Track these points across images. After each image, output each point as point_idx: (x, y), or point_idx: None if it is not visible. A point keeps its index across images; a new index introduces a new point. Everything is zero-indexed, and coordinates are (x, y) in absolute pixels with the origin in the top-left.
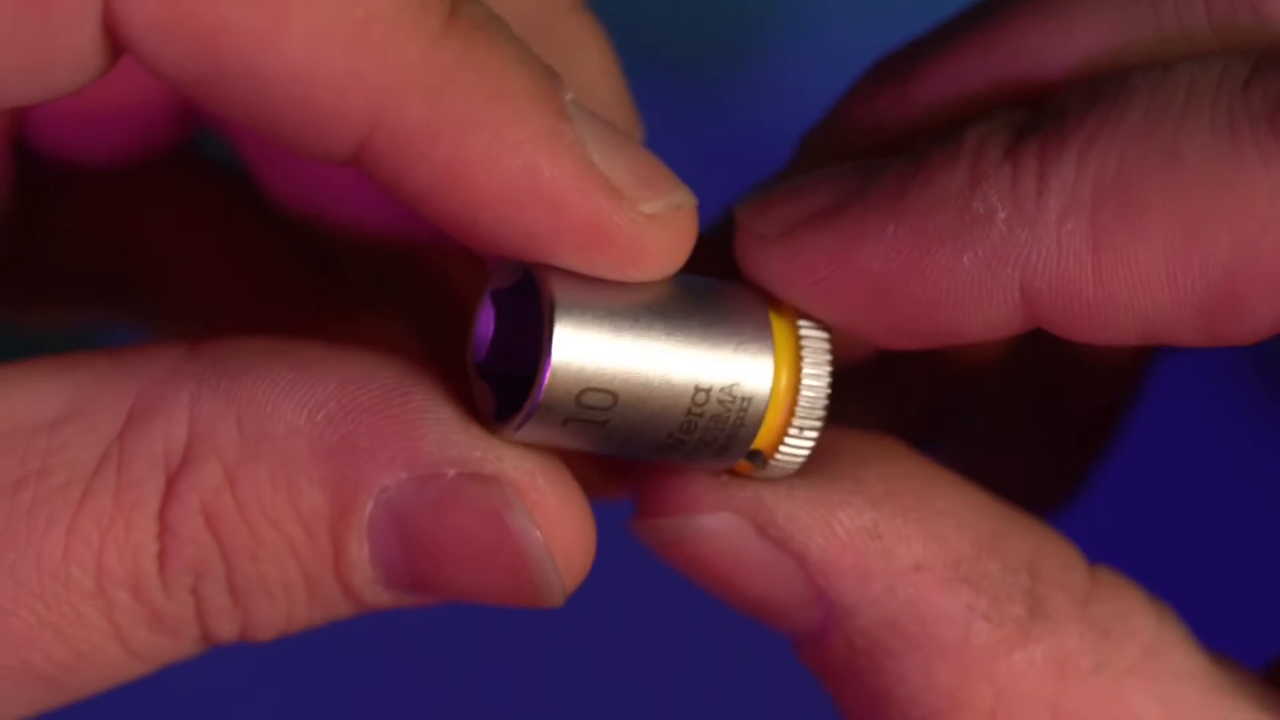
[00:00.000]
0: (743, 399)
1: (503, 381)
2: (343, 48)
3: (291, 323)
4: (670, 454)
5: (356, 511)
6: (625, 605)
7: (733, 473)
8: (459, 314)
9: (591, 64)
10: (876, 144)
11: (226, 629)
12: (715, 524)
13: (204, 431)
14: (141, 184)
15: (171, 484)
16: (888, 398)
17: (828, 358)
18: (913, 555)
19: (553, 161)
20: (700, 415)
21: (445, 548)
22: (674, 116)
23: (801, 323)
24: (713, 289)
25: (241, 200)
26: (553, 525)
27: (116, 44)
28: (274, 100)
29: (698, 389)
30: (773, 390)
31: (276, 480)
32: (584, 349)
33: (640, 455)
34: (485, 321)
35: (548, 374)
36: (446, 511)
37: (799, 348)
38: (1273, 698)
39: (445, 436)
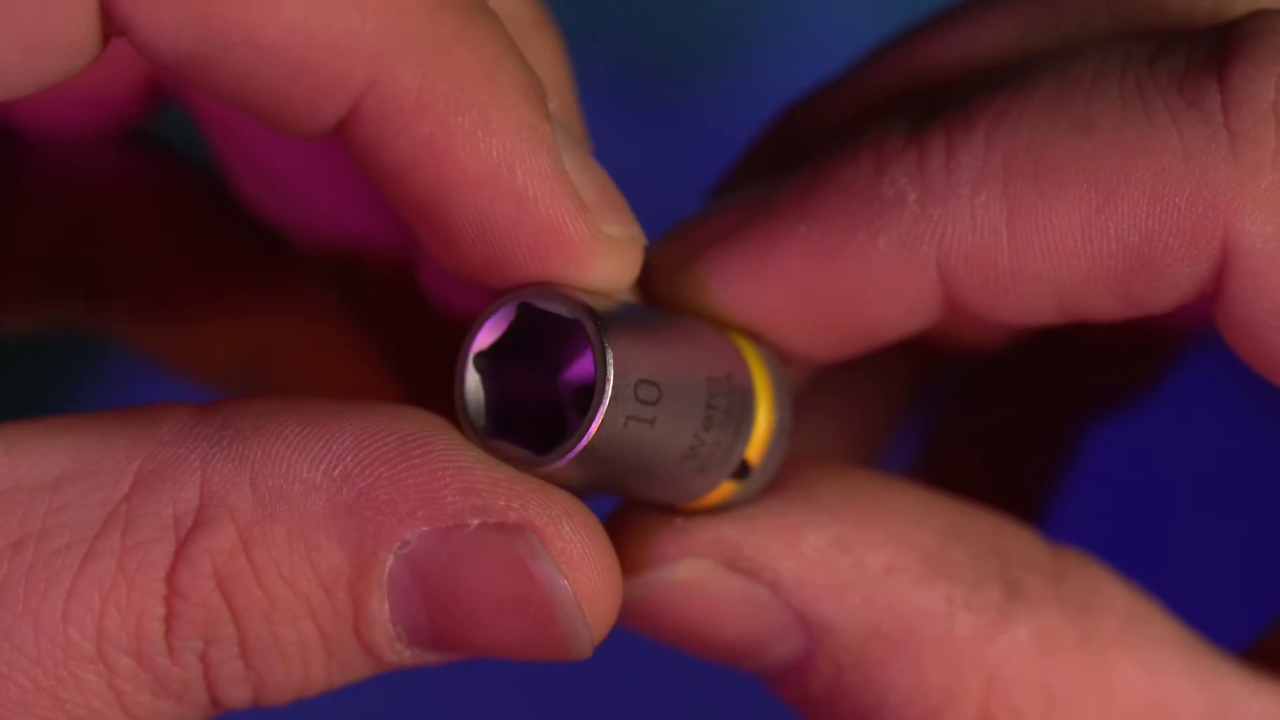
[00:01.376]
0: (741, 390)
1: (519, 436)
2: (341, 9)
3: (245, 308)
4: (688, 464)
5: (376, 568)
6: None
7: (683, 514)
8: (406, 316)
9: (549, 83)
10: (791, 167)
11: (238, 694)
12: (683, 571)
13: (217, 493)
14: (107, 182)
15: (182, 548)
16: (832, 426)
17: (784, 372)
18: (883, 560)
19: (531, 157)
20: (714, 409)
21: (469, 601)
22: (645, 122)
23: (747, 337)
24: (672, 311)
25: (202, 191)
26: (579, 573)
27: (112, 25)
28: (270, 67)
29: (709, 379)
30: (754, 377)
31: (294, 540)
32: (626, 342)
33: (662, 474)
34: (469, 385)
35: (610, 364)
36: (469, 563)
37: (761, 361)
38: (1250, 668)
39: (468, 485)
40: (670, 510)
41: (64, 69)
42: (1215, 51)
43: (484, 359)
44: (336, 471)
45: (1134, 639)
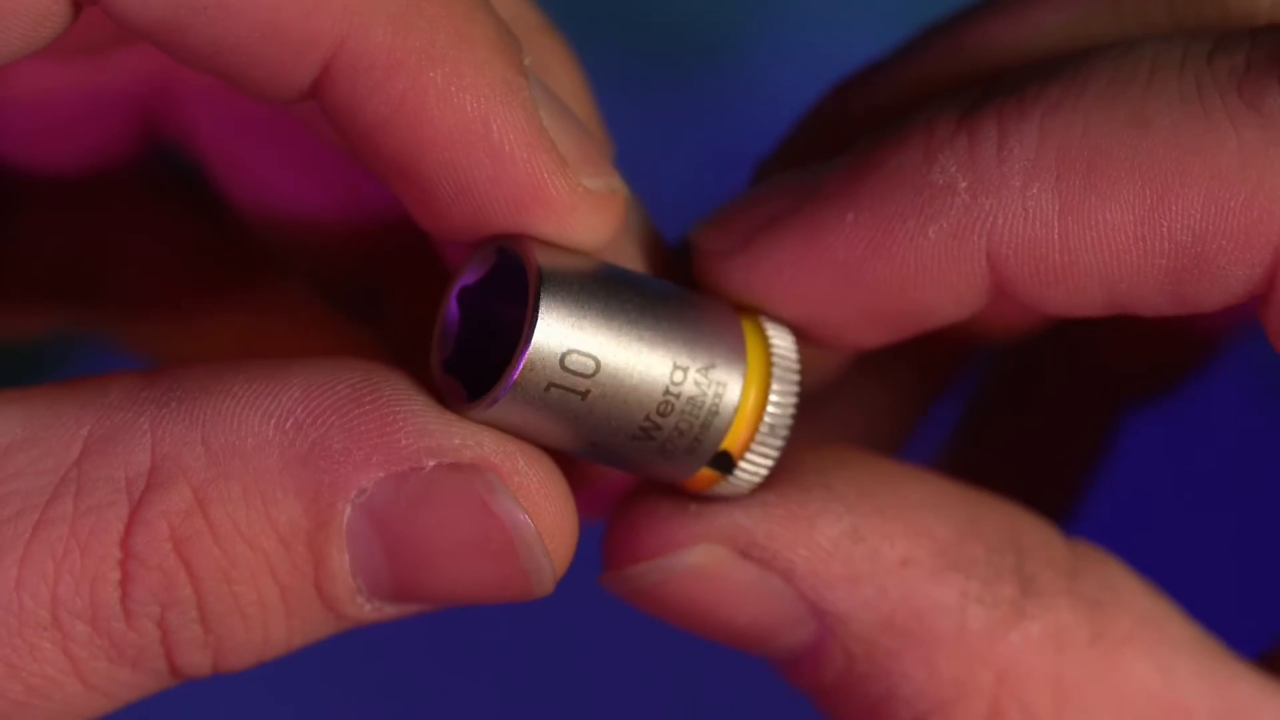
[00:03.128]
0: (718, 383)
1: (471, 377)
2: None
3: (234, 309)
4: (643, 445)
5: (335, 519)
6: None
7: (692, 496)
8: (409, 316)
9: (562, 83)
10: (839, 147)
11: (198, 660)
12: (697, 557)
13: (169, 454)
14: (105, 192)
15: (136, 510)
16: (861, 413)
17: (796, 368)
18: (898, 551)
19: (506, 112)
20: (677, 396)
21: (429, 545)
22: (650, 120)
23: (768, 326)
24: (679, 287)
25: (191, 202)
26: (537, 506)
27: None
28: (241, 29)
29: (675, 366)
30: (745, 379)
31: (250, 496)
32: (569, 310)
33: (612, 448)
34: (451, 318)
35: (536, 326)
36: (428, 506)
37: (768, 354)
38: (1263, 672)
39: (421, 427)
40: (668, 487)
41: (33, 37)
42: (1277, 52)
43: (467, 303)
44: (288, 424)
45: (1148, 638)
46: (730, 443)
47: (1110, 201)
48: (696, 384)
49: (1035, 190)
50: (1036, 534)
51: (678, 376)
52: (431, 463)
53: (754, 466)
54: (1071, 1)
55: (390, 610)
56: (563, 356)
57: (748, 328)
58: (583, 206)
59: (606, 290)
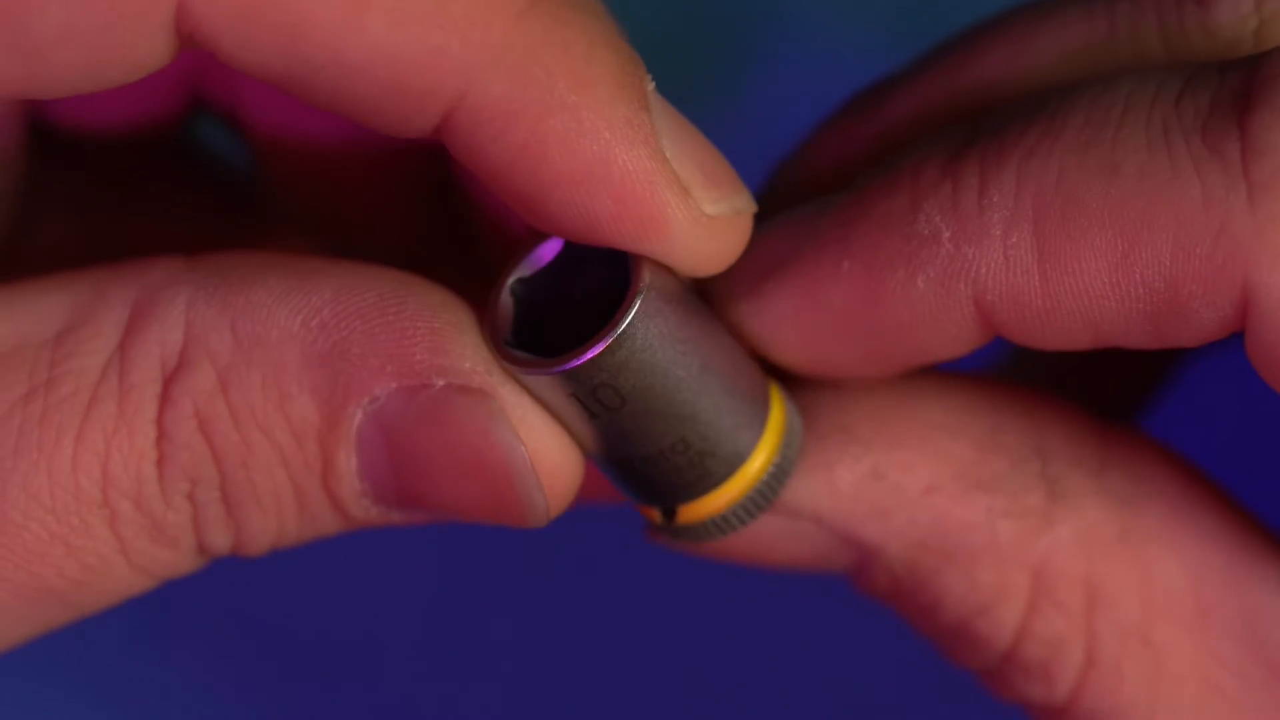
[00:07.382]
0: (707, 471)
1: (529, 309)
2: (424, 27)
3: None
4: (611, 470)
5: (345, 422)
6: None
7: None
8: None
9: None
10: (841, 175)
11: (221, 539)
12: None
13: (199, 335)
14: (132, 172)
15: (166, 387)
16: None
17: (775, 492)
18: (920, 481)
19: (627, 151)
20: (667, 460)
21: (431, 460)
22: None
23: (783, 447)
24: (735, 358)
25: (216, 178)
26: (538, 443)
27: (191, 41)
28: (358, 84)
29: (681, 439)
30: (730, 480)
31: (268, 387)
32: (632, 350)
33: (590, 452)
34: (552, 246)
35: (596, 352)
36: (433, 423)
37: (764, 469)
38: None
39: (436, 345)
40: None
41: (128, 78)
42: (1240, 94)
43: (572, 248)
44: (314, 322)
45: (1174, 534)
46: (686, 510)
47: (1084, 249)
48: (689, 461)
49: (1015, 239)
50: (1062, 431)
51: (679, 447)
52: (441, 382)
53: (696, 533)
54: (1070, 28)
55: (396, 516)
56: (597, 385)
57: (773, 419)
58: (705, 234)
59: (677, 341)
